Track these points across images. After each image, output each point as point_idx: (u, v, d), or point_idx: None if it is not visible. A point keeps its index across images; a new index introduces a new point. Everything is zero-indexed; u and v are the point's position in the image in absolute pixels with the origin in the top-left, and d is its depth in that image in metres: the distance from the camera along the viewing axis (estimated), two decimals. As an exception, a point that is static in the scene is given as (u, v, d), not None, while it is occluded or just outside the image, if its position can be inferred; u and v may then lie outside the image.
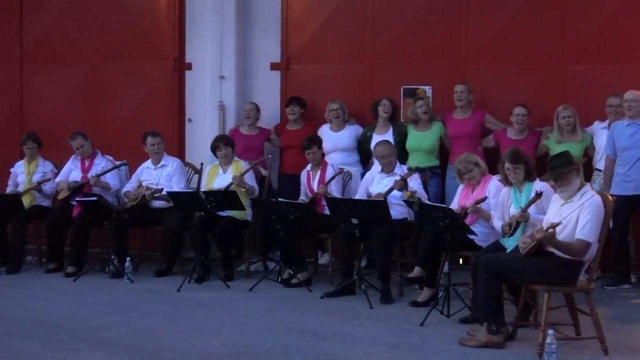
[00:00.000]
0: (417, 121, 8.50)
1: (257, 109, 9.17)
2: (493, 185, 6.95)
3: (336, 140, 8.71)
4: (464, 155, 7.34)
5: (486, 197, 6.90)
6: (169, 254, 8.61)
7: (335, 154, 8.66)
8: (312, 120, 9.13)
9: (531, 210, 6.21)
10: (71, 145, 8.89)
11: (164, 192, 8.44)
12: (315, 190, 8.15)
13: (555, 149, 7.80)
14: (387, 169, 7.88)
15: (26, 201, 8.83)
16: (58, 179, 8.98)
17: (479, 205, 6.85)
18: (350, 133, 8.85)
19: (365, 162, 8.78)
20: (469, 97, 8.42)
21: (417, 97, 8.69)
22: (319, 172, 8.26)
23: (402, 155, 8.35)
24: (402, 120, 8.77)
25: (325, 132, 8.82)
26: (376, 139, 8.52)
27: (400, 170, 7.82)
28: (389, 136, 8.49)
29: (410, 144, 8.44)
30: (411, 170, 7.63)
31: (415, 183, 7.64)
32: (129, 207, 8.63)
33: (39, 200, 9.00)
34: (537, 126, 8.25)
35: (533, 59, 8.67)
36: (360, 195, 7.99)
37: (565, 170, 5.80)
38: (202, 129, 9.49)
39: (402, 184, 7.50)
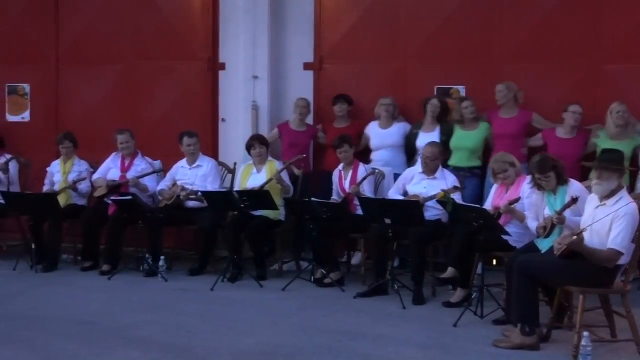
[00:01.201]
0: (463, 121, 8.43)
1: (309, 106, 9.17)
2: (527, 186, 6.89)
3: (384, 137, 8.67)
4: (499, 155, 7.29)
5: (520, 197, 6.84)
6: (202, 253, 8.65)
7: (381, 152, 8.63)
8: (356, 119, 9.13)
9: (567, 212, 6.14)
10: (117, 139, 8.95)
11: (199, 195, 8.48)
12: (347, 190, 8.14)
13: (606, 147, 7.71)
14: (429, 172, 7.83)
15: (62, 200, 8.91)
16: (96, 176, 9.06)
17: (512, 206, 6.80)
18: (398, 130, 8.76)
19: (410, 160, 8.69)
20: (510, 96, 8.30)
21: (462, 97, 8.63)
22: (350, 172, 8.25)
23: (445, 155, 8.29)
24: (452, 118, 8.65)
25: (373, 129, 8.78)
26: (422, 137, 8.47)
27: (442, 175, 7.75)
28: (435, 135, 8.43)
29: (454, 142, 8.37)
30: (456, 189, 7.51)
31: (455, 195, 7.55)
32: (163, 206, 8.69)
33: (75, 199, 9.09)
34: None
35: (568, 58, 8.56)
36: (396, 189, 7.97)
37: (610, 167, 5.74)
38: (235, 129, 9.51)
39: (445, 197, 7.37)
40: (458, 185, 7.60)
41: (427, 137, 8.44)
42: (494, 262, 7.37)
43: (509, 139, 8.18)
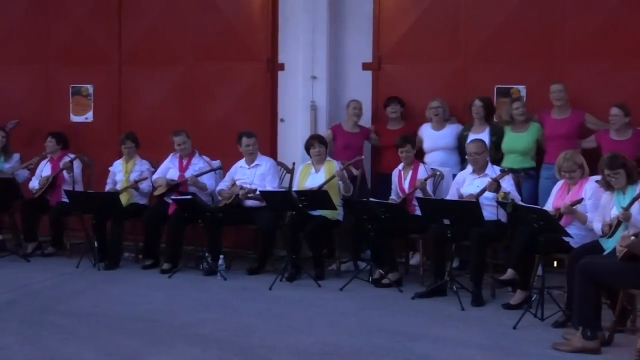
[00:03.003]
0: (513, 122, 8.35)
1: (362, 107, 9.16)
2: (589, 186, 6.78)
3: (436, 138, 8.64)
4: (571, 153, 7.07)
5: (582, 198, 6.74)
6: (261, 253, 8.69)
7: (435, 153, 8.60)
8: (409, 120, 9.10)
9: (634, 210, 6.03)
10: (173, 140, 9.05)
11: (257, 193, 8.55)
12: (407, 190, 8.12)
13: None
14: (478, 170, 7.79)
15: (124, 199, 9.05)
16: (155, 175, 9.18)
17: (574, 207, 6.69)
18: (451, 132, 8.73)
19: (464, 161, 8.61)
20: (566, 96, 8.18)
21: (513, 97, 8.55)
22: (410, 172, 8.22)
23: (497, 155, 8.25)
24: (495, 120, 8.62)
25: (425, 131, 8.76)
26: (472, 138, 8.42)
27: (492, 171, 7.70)
28: (485, 136, 8.33)
29: (505, 145, 8.29)
30: (504, 172, 7.47)
31: (508, 184, 7.50)
32: (223, 205, 8.77)
33: (136, 198, 9.23)
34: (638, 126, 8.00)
35: (632, 56, 8.39)
36: (451, 196, 7.91)
37: None
38: (294, 129, 9.56)
39: (495, 186, 7.36)
40: (504, 168, 7.57)
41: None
42: (555, 263, 7.29)
43: (562, 139, 8.05)
